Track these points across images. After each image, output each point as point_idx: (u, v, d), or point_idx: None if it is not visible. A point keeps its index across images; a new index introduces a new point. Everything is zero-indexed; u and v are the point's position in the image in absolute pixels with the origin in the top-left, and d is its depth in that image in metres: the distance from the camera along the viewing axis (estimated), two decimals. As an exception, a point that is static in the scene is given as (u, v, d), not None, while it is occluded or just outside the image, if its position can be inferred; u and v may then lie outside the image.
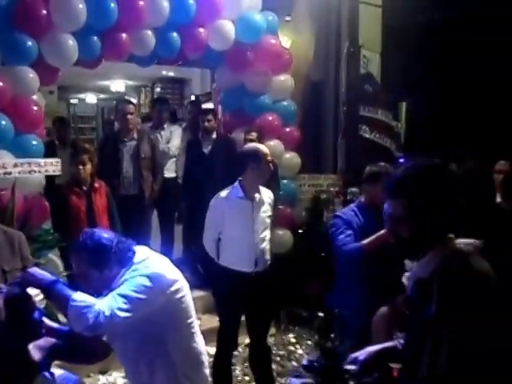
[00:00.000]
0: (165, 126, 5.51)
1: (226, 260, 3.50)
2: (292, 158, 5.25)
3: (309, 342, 4.73)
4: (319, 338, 4.87)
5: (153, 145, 4.95)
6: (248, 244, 3.47)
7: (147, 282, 2.13)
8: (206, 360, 2.46)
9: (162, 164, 5.14)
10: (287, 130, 5.25)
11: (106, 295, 2.16)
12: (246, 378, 4.14)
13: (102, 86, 10.51)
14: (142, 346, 2.25)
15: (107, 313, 2.02)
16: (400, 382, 1.61)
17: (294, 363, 4.28)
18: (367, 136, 5.47)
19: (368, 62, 5.59)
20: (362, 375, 1.77)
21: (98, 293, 2.25)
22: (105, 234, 2.25)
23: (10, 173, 3.58)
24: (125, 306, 2.06)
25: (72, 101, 11.58)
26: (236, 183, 3.53)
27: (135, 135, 4.88)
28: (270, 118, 5.13)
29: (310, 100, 5.77)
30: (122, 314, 2.05)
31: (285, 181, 5.13)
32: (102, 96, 11.76)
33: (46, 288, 2.05)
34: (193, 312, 2.37)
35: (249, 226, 3.47)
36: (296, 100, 5.36)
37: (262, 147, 3.57)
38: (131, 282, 2.14)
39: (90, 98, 11.79)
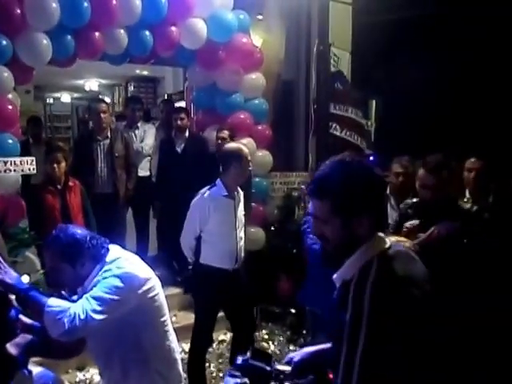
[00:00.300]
0: (138, 124, 5.52)
1: (208, 258, 3.56)
2: (264, 156, 5.29)
3: (281, 339, 4.80)
4: (291, 334, 4.95)
5: (127, 143, 4.96)
6: (230, 242, 3.58)
7: (119, 283, 2.15)
8: (179, 357, 2.49)
9: (136, 162, 5.15)
10: (259, 128, 5.28)
11: (79, 297, 2.17)
12: (220, 374, 4.18)
13: (76, 85, 10.43)
14: (115, 344, 2.26)
15: (82, 316, 2.03)
16: None
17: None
18: (337, 134, 5.47)
19: (338, 61, 5.61)
20: (295, 376, 1.73)
21: (70, 289, 2.29)
22: (78, 230, 2.26)
23: (-15, 172, 3.58)
24: (99, 308, 2.07)
25: (48, 100, 11.47)
26: (218, 182, 3.58)
27: (109, 134, 4.88)
28: (242, 116, 5.16)
29: (282, 98, 5.80)
30: (97, 317, 2.07)
31: (257, 179, 5.16)
32: (76, 95, 11.67)
33: (21, 295, 2.06)
34: (166, 310, 2.39)
35: (231, 224, 3.59)
36: (267, 98, 5.40)
37: (244, 147, 3.65)
38: (104, 283, 2.15)
39: (65, 97, 11.68)
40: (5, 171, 3.75)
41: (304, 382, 1.73)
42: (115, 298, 2.11)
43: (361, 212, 1.48)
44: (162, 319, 2.37)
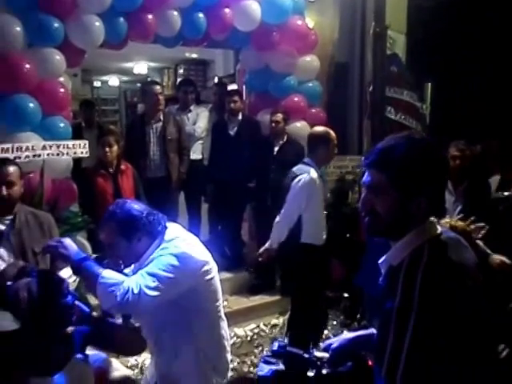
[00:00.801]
0: (191, 107, 5.35)
1: (311, 237, 3.59)
2: (318, 139, 5.10)
3: (334, 323, 4.66)
4: (345, 319, 4.85)
5: (179, 127, 4.80)
6: (323, 220, 3.74)
7: (176, 262, 2.04)
8: (228, 345, 2.38)
9: (189, 146, 5.00)
10: (313, 111, 5.08)
11: (134, 273, 2.09)
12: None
13: (124, 68, 10.35)
14: (166, 325, 2.18)
15: (136, 290, 1.94)
16: (375, 373, 1.46)
17: (320, 344, 4.21)
18: (392, 117, 5.29)
19: (393, 43, 5.38)
20: (334, 363, 1.65)
21: (126, 264, 2.20)
22: (135, 205, 2.18)
23: (38, 155, 3.48)
24: (153, 285, 1.98)
25: (95, 83, 11.48)
26: (310, 161, 3.59)
27: (161, 117, 4.73)
28: (296, 99, 4.98)
29: (336, 81, 5.58)
30: (151, 293, 1.97)
31: (310, 162, 4.99)
32: (124, 78, 11.63)
33: (76, 263, 2.01)
34: (220, 295, 2.28)
35: (322, 203, 3.75)
36: (321, 81, 5.20)
37: (332, 131, 3.67)
38: (160, 260, 2.05)
39: (113, 81, 11.67)
40: (57, 154, 3.66)
41: (342, 369, 1.65)
42: (170, 276, 2.01)
43: (420, 191, 1.37)
44: (216, 304, 2.27)
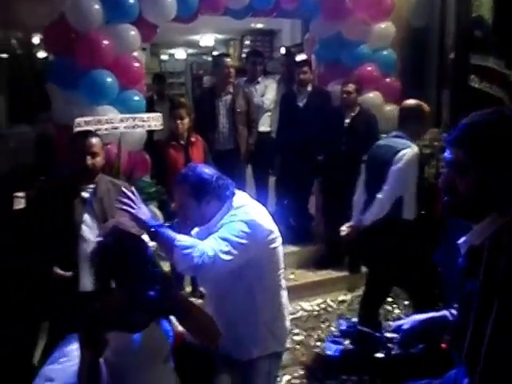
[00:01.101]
0: (259, 79, 5.45)
1: (409, 212, 3.51)
2: (392, 110, 4.98)
3: (406, 302, 4.65)
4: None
5: (248, 99, 4.92)
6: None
7: (246, 229, 2.16)
8: (288, 314, 2.48)
9: (257, 118, 5.12)
10: (387, 80, 5.03)
11: (201, 237, 2.23)
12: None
13: (191, 40, 10.59)
14: (228, 290, 2.30)
15: (210, 254, 2.08)
16: (453, 356, 1.45)
17: (391, 322, 4.26)
18: (476, 86, 5.08)
19: (479, 4, 5.13)
20: (404, 345, 1.66)
21: (193, 225, 2.36)
22: (206, 169, 2.33)
23: (116, 128, 3.74)
24: (226, 249, 2.11)
25: (163, 57, 11.83)
26: (403, 136, 3.53)
27: (231, 89, 4.87)
28: (369, 68, 4.94)
29: (412, 48, 5.44)
30: (225, 257, 2.10)
31: (384, 135, 4.95)
32: (190, 51, 11.89)
33: (153, 229, 2.15)
34: (282, 265, 2.39)
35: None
36: (396, 48, 5.09)
37: (425, 105, 3.60)
38: (231, 226, 2.18)
39: (180, 54, 11.96)
40: (133, 127, 3.88)
41: (413, 351, 1.68)
42: (242, 242, 2.14)
43: (504, 173, 1.33)
44: (278, 273, 2.38)
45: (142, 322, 2.06)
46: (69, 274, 2.76)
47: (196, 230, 2.42)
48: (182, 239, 2.13)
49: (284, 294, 2.44)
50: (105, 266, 2.06)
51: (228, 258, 2.11)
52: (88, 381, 1.96)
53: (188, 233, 2.34)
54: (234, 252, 2.12)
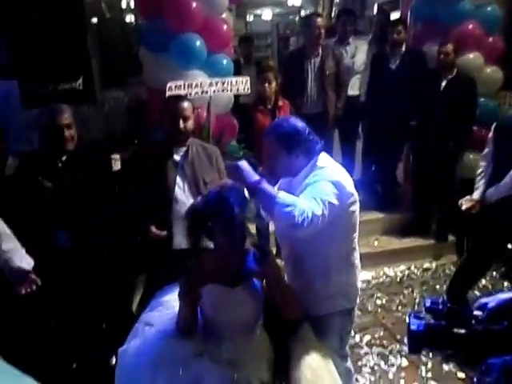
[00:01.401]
0: (350, 40, 5.38)
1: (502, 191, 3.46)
2: (493, 72, 4.83)
3: (494, 273, 4.61)
4: (506, 270, 4.69)
5: (337, 60, 4.88)
6: None
7: (334, 189, 2.21)
8: (359, 274, 2.54)
9: (347, 81, 5.07)
10: (489, 40, 4.81)
11: (281, 190, 2.27)
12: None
13: (277, 0, 10.53)
14: (306, 250, 2.37)
15: (309, 213, 2.11)
16: None
17: (477, 292, 4.22)
18: None
19: None
20: (488, 323, 1.65)
21: (278, 176, 2.40)
22: (299, 122, 2.37)
23: (206, 92, 3.88)
24: (319, 208, 2.15)
25: (248, 18, 11.84)
26: None
27: (320, 51, 4.84)
28: (470, 26, 4.73)
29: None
30: (319, 216, 2.14)
31: (482, 98, 4.77)
32: (277, 11, 11.79)
33: (253, 185, 2.18)
34: (357, 227, 2.44)
35: None
36: (501, 4, 4.83)
37: None
38: (320, 185, 2.22)
39: (266, 14, 11.91)
40: (222, 91, 4.00)
41: (497, 328, 1.66)
42: (332, 201, 2.19)
43: None
44: (353, 235, 2.44)
45: (235, 279, 2.23)
46: (164, 233, 2.96)
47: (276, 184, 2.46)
48: (282, 196, 2.16)
49: (356, 254, 2.51)
50: (201, 223, 2.21)
51: (321, 217, 2.16)
52: (184, 328, 2.18)
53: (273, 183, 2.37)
54: (325, 212, 2.17)
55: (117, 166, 3.29)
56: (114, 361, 2.75)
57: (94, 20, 5.54)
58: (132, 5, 6.06)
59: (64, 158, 2.98)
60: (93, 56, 4.86)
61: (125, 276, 3.11)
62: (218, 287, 2.21)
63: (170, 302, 2.38)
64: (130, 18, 6.22)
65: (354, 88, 5.33)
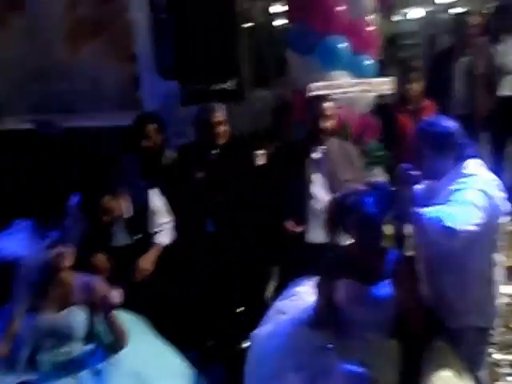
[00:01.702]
0: (503, 38, 5.03)
1: None
2: None
3: None
4: None
5: (489, 60, 4.66)
6: None
7: (482, 200, 2.09)
8: (499, 292, 2.36)
9: (498, 81, 4.78)
10: None
11: (446, 203, 2.15)
12: None
13: (426, -1, 10.08)
14: (442, 263, 2.27)
15: (459, 221, 2.03)
16: None
17: None
18: None
19: None
20: None
21: (424, 177, 2.29)
22: (453, 124, 2.27)
23: (347, 92, 3.90)
24: (468, 218, 2.05)
25: (395, 18, 11.51)
26: None
27: (471, 50, 4.64)
28: None
29: None
30: (466, 226, 2.04)
31: None
32: (425, 10, 11.31)
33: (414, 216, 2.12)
34: (500, 242, 2.27)
35: None
36: None
37: None
38: (469, 194, 2.11)
39: (413, 13, 11.49)
40: (363, 92, 3.99)
41: None
42: (479, 213, 2.07)
43: None
44: (495, 250, 2.27)
45: (371, 277, 2.24)
46: (300, 228, 3.04)
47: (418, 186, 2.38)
48: (433, 211, 2.08)
49: (497, 271, 2.34)
50: (339, 217, 2.27)
51: (470, 227, 2.06)
52: (318, 319, 2.24)
53: (413, 184, 2.30)
54: (472, 221, 2.07)
55: (260, 161, 3.45)
56: (246, 344, 2.89)
57: (246, 25, 5.83)
58: (279, 9, 6.25)
59: (215, 152, 3.21)
60: (243, 58, 5.12)
61: (260, 266, 3.26)
62: (353, 283, 2.23)
63: (303, 293, 2.46)
64: (277, 22, 6.43)
65: (507, 88, 4.96)
